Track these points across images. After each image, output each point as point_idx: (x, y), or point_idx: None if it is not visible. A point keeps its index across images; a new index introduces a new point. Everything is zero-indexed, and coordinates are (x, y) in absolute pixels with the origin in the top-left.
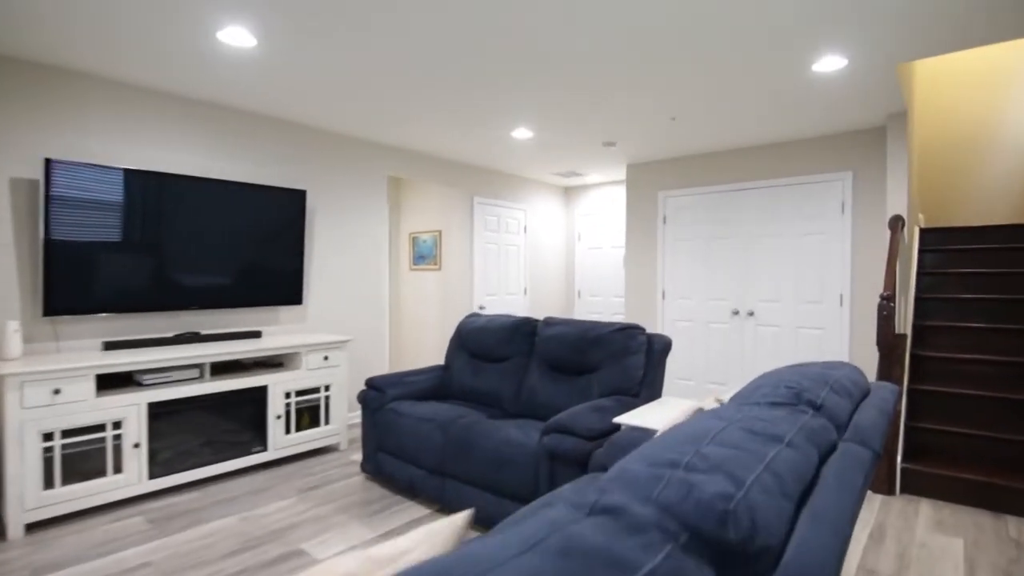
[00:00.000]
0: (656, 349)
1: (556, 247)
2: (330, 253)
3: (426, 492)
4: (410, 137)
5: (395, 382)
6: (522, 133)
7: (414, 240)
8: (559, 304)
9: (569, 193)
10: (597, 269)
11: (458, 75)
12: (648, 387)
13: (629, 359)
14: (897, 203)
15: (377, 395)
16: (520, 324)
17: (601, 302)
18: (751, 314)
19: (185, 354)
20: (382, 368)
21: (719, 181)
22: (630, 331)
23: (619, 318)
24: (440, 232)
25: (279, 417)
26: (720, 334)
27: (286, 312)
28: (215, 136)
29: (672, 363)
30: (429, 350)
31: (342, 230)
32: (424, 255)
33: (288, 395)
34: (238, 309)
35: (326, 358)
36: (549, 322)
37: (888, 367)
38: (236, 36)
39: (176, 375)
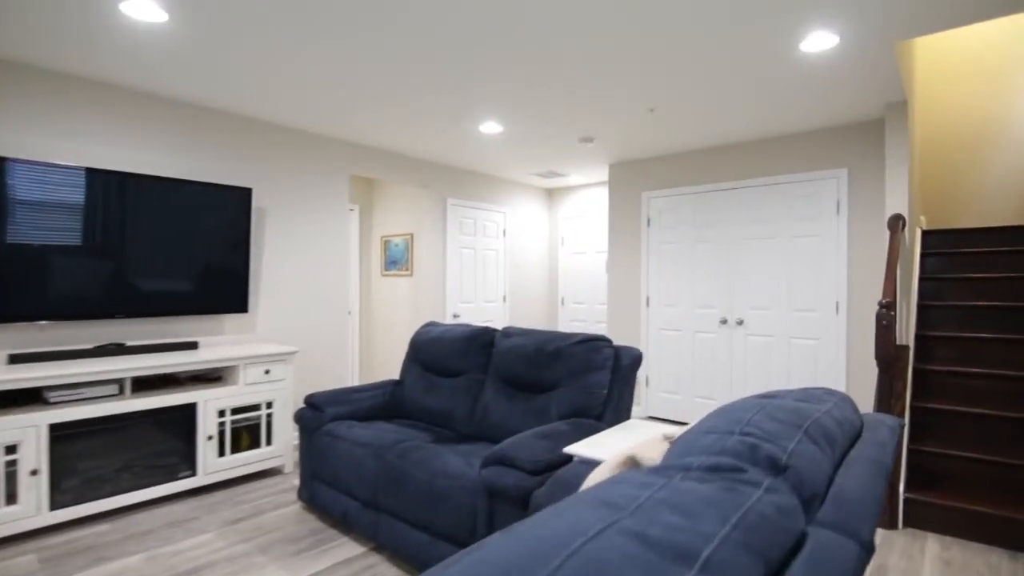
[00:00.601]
0: (624, 364)
1: (538, 252)
2: (284, 257)
3: (360, 527)
4: (372, 133)
5: (337, 400)
6: (491, 128)
7: (386, 244)
8: (541, 312)
9: (552, 195)
10: (581, 275)
11: (414, 63)
12: (613, 409)
13: (592, 376)
14: (896, 202)
15: (314, 414)
16: (476, 335)
17: (585, 310)
18: (740, 323)
19: (103, 368)
20: (346, 382)
21: (705, 180)
22: (594, 344)
23: (603, 327)
24: (412, 236)
25: (210, 438)
26: (708, 344)
27: (232, 321)
28: (151, 130)
29: (657, 376)
30: (401, 362)
31: (298, 232)
32: (396, 260)
33: (222, 413)
34: (175, 317)
35: (267, 372)
36: (507, 333)
37: (888, 383)
38: (142, 9)
39: (90, 391)
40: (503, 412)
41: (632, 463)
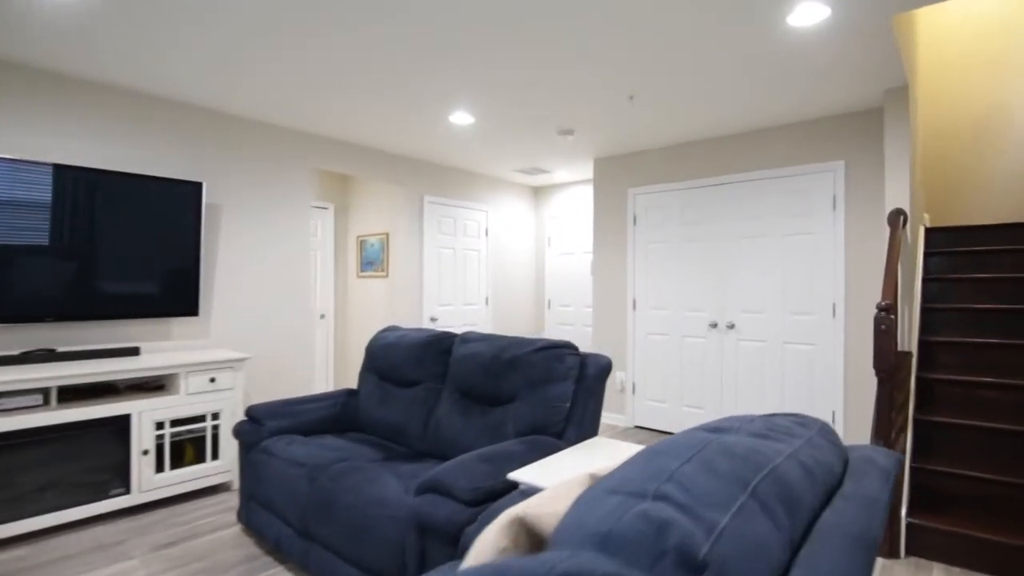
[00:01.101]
0: (590, 374)
1: (524, 252)
2: (242, 257)
3: (293, 556)
4: (337, 125)
5: (279, 411)
6: (461, 118)
7: (362, 244)
8: (527, 315)
9: (538, 194)
10: (568, 277)
11: (375, 47)
12: (577, 424)
13: (552, 387)
14: (897, 197)
15: (252, 428)
16: (432, 341)
17: (572, 313)
18: (731, 327)
19: (25, 376)
20: (313, 391)
21: (693, 175)
22: (556, 351)
23: (591, 331)
24: (387, 235)
25: (146, 452)
26: (697, 350)
27: (181, 325)
28: (90, 119)
29: (644, 383)
30: None
31: (258, 231)
32: (372, 260)
33: (161, 425)
34: (116, 321)
35: (213, 380)
36: (465, 338)
37: (889, 394)
38: None
39: (10, 402)
40: (457, 428)
41: (520, 527)
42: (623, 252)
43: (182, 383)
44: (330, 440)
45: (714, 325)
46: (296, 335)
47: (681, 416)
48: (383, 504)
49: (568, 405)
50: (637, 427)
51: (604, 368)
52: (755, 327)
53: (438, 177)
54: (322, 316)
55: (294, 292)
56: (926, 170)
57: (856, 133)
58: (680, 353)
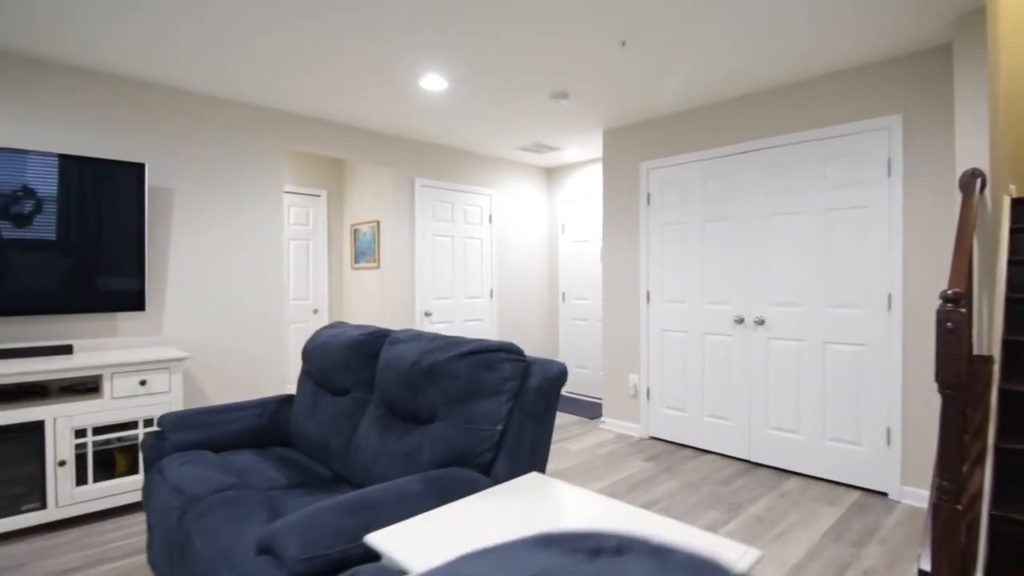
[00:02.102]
0: (532, 388)
1: (535, 241)
2: (201, 247)
3: None
4: (308, 100)
5: (193, 422)
6: (434, 83)
7: (355, 233)
8: (538, 310)
9: (552, 176)
10: (584, 267)
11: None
12: (510, 455)
13: (479, 404)
14: (972, 156)
15: (156, 442)
16: (363, 342)
17: (588, 306)
18: (761, 323)
19: None
20: (273, 388)
21: (715, 143)
22: (486, 357)
23: None
24: (378, 223)
25: (63, 463)
26: (720, 350)
27: (128, 322)
28: (15, 97)
29: (660, 388)
30: None
31: (221, 218)
32: (365, 251)
33: (82, 433)
34: (56, 317)
35: (143, 383)
36: (396, 338)
37: (958, 415)
38: None
39: None
40: (373, 451)
41: None
42: (635, 236)
43: (107, 386)
44: (241, 458)
45: (740, 321)
46: (268, 332)
47: (703, 428)
48: (227, 558)
49: (500, 428)
50: (652, 438)
51: (552, 379)
52: (790, 323)
53: (431, 158)
54: (315, 311)
55: (265, 285)
56: (1013, 122)
57: (916, 79)
58: (701, 354)
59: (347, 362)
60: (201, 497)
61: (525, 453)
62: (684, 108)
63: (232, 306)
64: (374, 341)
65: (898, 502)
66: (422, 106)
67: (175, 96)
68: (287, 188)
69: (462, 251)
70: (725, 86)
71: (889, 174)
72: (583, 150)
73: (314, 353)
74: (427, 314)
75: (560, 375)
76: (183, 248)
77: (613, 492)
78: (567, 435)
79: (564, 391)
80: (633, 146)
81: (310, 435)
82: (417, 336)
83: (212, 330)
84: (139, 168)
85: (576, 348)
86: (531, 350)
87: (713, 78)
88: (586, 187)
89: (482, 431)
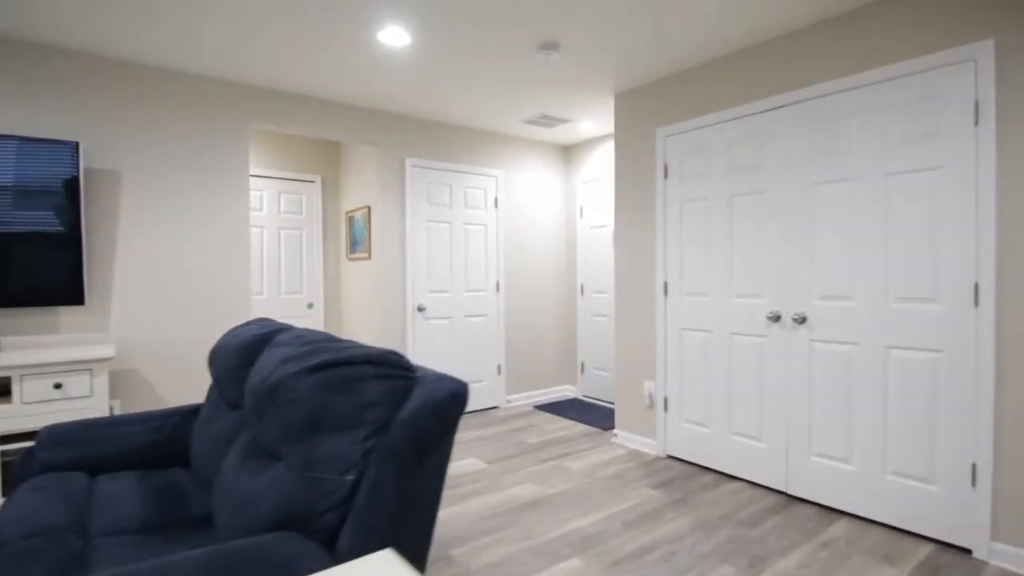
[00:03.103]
0: (402, 420)
1: (550, 226)
2: (152, 235)
3: None
4: (270, 69)
5: (74, 437)
6: (395, 36)
7: (350, 221)
8: (554, 304)
9: (569, 154)
10: (604, 256)
11: None
12: (362, 521)
13: (325, 442)
14: None
15: (23, 461)
16: (255, 344)
17: (609, 301)
18: (802, 321)
19: None
20: None
21: (746, 97)
22: (343, 372)
23: None
24: (368, 209)
25: None
26: (752, 354)
27: (70, 317)
28: None
29: (680, 398)
30: None
31: (175, 203)
32: (358, 240)
33: None
34: None
35: (58, 386)
36: (276, 341)
37: None
38: None
39: None
40: (224, 488)
41: None
42: (650, 216)
43: (16, 389)
44: (112, 485)
45: (776, 318)
46: (225, 330)
47: (731, 449)
48: None
49: (351, 480)
50: (670, 457)
51: (434, 408)
52: (839, 322)
53: (424, 135)
54: (310, 305)
55: (229, 277)
56: None
57: None
58: (727, 358)
59: (236, 369)
60: (5, 543)
61: (383, 517)
62: (706, 58)
63: (191, 300)
64: (263, 343)
65: (986, 563)
66: (387, 68)
67: (119, 69)
68: (277, 174)
69: (462, 239)
70: (755, 22)
71: (976, 122)
72: (599, 123)
73: (215, 357)
74: (420, 309)
75: (448, 401)
76: (133, 236)
77: (603, 530)
78: (571, 450)
79: (582, 396)
80: (648, 110)
81: (200, 457)
82: (298, 337)
83: (168, 327)
84: (72, 147)
85: (596, 347)
86: (546, 349)
87: (741, 11)
88: (606, 165)
89: (325, 482)
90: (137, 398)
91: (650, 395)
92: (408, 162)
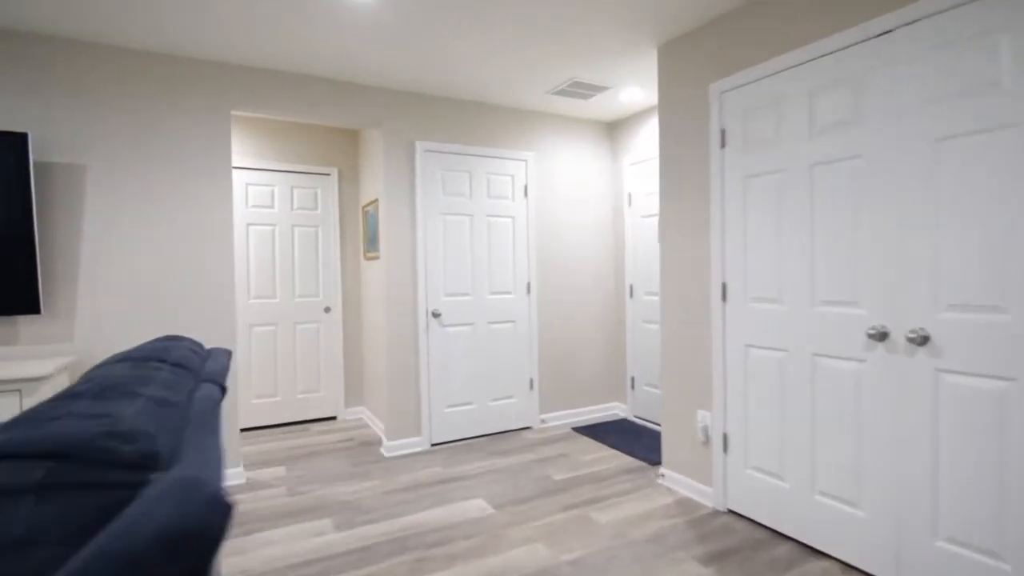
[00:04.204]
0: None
1: (592, 217)
2: (123, 237)
3: None
4: (257, 46)
5: None
6: None
7: (366, 216)
8: (597, 308)
9: (615, 132)
10: (657, 251)
11: None
12: None
13: None
14: None
15: None
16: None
17: (656, 304)
18: (922, 342)
19: None
20: (223, 426)
21: (834, 26)
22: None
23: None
24: (377, 202)
25: None
26: (845, 383)
27: (29, 327)
28: None
29: (743, 437)
30: (386, 383)
31: (149, 200)
32: (373, 237)
33: None
34: None
35: None
36: (86, 377)
37: None
38: None
39: None
40: None
41: None
42: (702, 199)
43: None
44: None
45: (880, 336)
46: (217, 337)
47: (816, 513)
48: None
49: None
50: (731, 513)
51: (146, 555)
52: (982, 344)
53: (436, 115)
54: (327, 309)
55: (212, 281)
56: None
57: None
58: (810, 387)
59: None
60: None
61: None
62: None
63: (166, 307)
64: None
65: None
66: (381, 29)
67: (80, 51)
68: (289, 167)
69: (485, 233)
70: None
71: None
72: (648, 91)
73: None
74: (435, 315)
75: (176, 537)
76: (101, 238)
77: None
78: (604, 492)
79: (632, 416)
80: (699, 60)
81: None
82: (91, 379)
83: (141, 336)
84: (19, 140)
85: (649, 359)
86: (589, 361)
87: None
88: (652, 145)
89: None
90: None
91: (705, 429)
92: (419, 146)
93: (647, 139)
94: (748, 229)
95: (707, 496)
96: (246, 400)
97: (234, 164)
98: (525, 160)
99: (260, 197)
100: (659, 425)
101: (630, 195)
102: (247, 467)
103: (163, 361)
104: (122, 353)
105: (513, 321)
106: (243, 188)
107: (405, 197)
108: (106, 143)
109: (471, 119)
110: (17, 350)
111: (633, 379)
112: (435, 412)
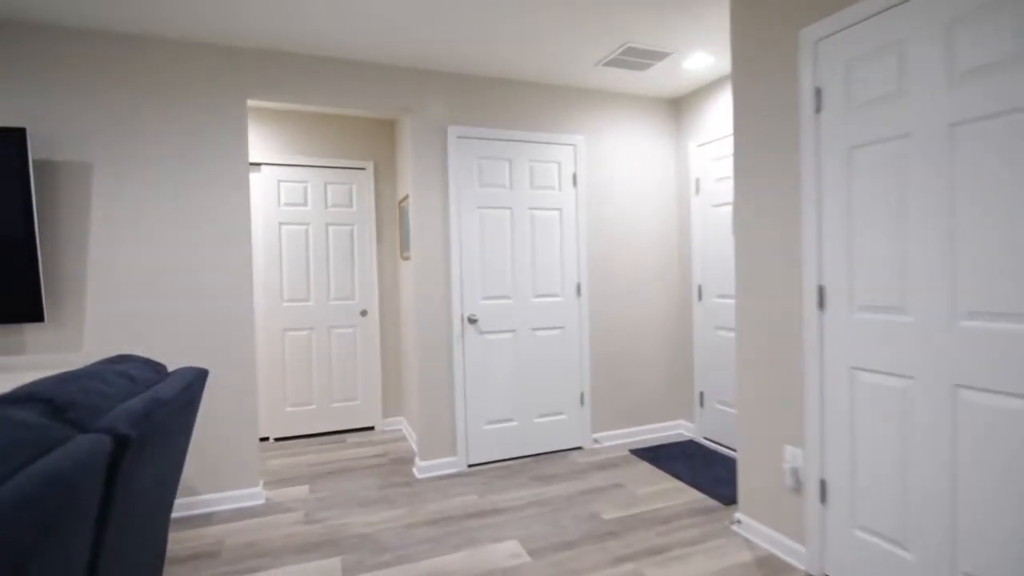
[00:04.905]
0: None
1: (653, 208)
2: (132, 238)
3: None
4: (276, 25)
5: None
6: None
7: (403, 212)
8: (661, 314)
9: (680, 109)
10: (731, 246)
11: None
12: None
13: None
14: None
15: None
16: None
17: (731, 308)
18: None
19: None
20: (242, 431)
21: None
22: None
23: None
24: (407, 197)
25: None
26: (1005, 430)
27: (36, 335)
28: None
29: (851, 483)
30: (419, 389)
31: (160, 198)
32: (409, 235)
33: None
34: None
35: None
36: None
37: None
38: None
39: None
40: None
41: None
42: (790, 177)
43: None
44: None
45: None
46: (234, 345)
47: None
48: None
49: None
50: None
51: None
52: None
53: (472, 96)
54: (363, 313)
55: (226, 282)
56: None
57: None
58: (951, 430)
59: None
60: None
61: None
62: None
63: (180, 311)
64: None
65: None
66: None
67: (82, 40)
68: (322, 162)
69: (528, 228)
70: None
71: None
72: (720, 57)
73: None
74: (471, 321)
75: None
76: (109, 239)
77: None
78: (665, 540)
79: (701, 437)
80: (784, 1)
81: None
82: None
83: (152, 343)
84: (17, 136)
85: (721, 372)
86: (649, 373)
87: None
88: (725, 123)
89: None
90: None
91: (794, 471)
92: (452, 132)
93: (718, 115)
94: (854, 216)
95: (797, 556)
96: (280, 409)
97: (265, 160)
98: (573, 144)
99: (293, 194)
100: (734, 451)
101: (697, 181)
102: (271, 485)
103: (48, 401)
104: (8, 392)
105: (561, 327)
106: (275, 185)
107: (436, 190)
108: (112, 139)
109: (510, 99)
110: (24, 360)
111: (702, 395)
112: (472, 429)
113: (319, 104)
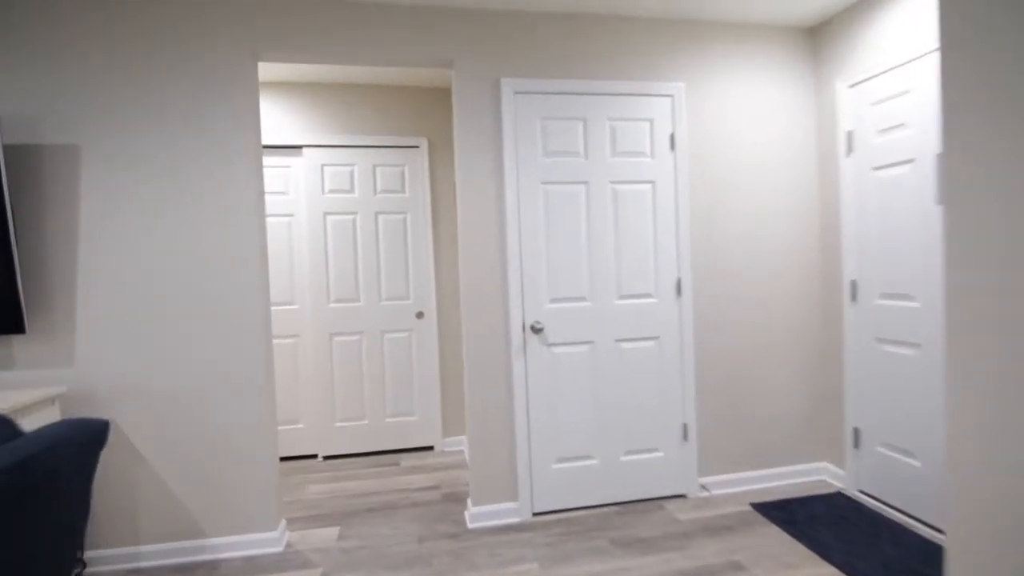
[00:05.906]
0: None
1: (783, 177)
2: (129, 233)
3: None
4: None
5: None
6: None
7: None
8: (795, 321)
9: (817, 40)
10: (901, 225)
11: None
12: None
13: None
14: None
15: None
16: None
17: (914, 315)
18: None
19: None
20: (259, 463)
21: None
22: None
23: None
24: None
25: None
26: None
27: (25, 348)
28: None
29: None
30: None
31: (156, 184)
32: None
33: None
34: None
35: None
36: None
37: None
38: None
39: None
40: None
41: None
42: None
43: None
44: None
45: None
46: (247, 355)
47: None
48: None
49: None
50: None
51: None
52: None
53: (531, 38)
54: (419, 315)
55: (237, 282)
56: None
57: None
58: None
59: None
60: None
61: None
62: None
63: (181, 318)
64: None
65: None
66: None
67: (62, 3)
68: (369, 141)
69: (608, 209)
70: None
71: None
72: None
73: None
74: (535, 330)
75: None
76: (101, 236)
77: None
78: None
79: (856, 490)
80: None
81: None
82: None
83: (152, 356)
84: None
85: (887, 402)
86: (778, 400)
87: None
88: (899, 47)
89: None
90: (107, 456)
91: None
92: (506, 86)
93: (883, 39)
94: None
95: None
96: (329, 424)
97: (306, 142)
98: (670, 95)
99: (338, 180)
100: (907, 514)
101: (850, 135)
102: (298, 523)
103: None
104: None
105: (655, 338)
106: (318, 171)
107: (487, 161)
108: (102, 117)
109: (582, 40)
110: (11, 376)
111: (857, 432)
112: (538, 468)
113: (338, 60)
